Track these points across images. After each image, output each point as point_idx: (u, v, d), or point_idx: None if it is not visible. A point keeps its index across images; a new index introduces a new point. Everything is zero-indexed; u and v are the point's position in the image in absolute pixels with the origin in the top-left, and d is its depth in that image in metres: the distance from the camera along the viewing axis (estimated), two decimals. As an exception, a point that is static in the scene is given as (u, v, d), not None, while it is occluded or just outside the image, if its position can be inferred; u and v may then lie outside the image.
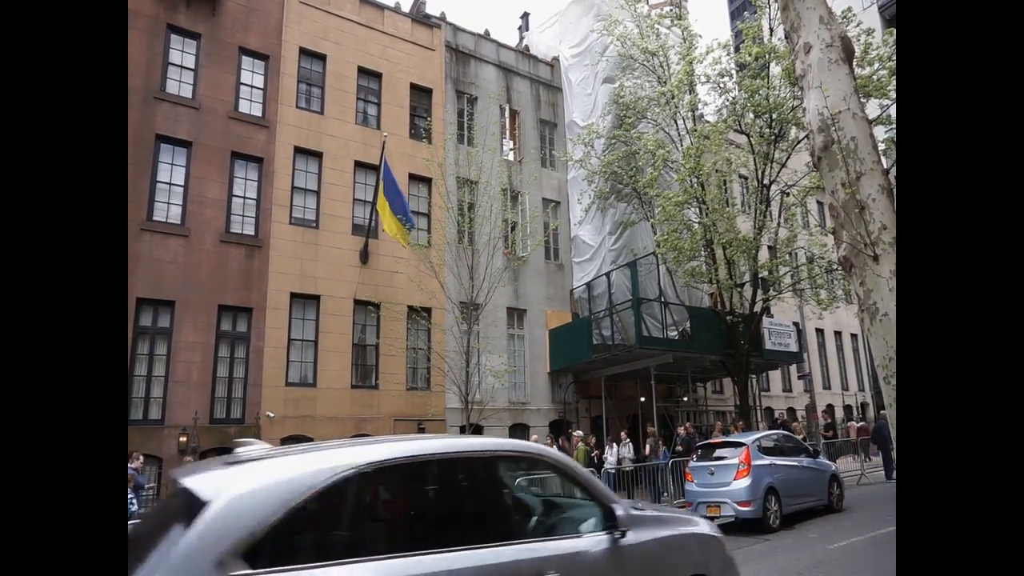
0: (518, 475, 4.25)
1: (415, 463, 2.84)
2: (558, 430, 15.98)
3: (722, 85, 15.44)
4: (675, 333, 15.66)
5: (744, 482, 9.33)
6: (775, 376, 22.35)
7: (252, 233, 13.42)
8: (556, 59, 19.81)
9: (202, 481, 2.44)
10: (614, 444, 13.78)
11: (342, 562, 2.35)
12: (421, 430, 14.08)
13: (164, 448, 11.46)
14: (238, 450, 2.79)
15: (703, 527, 3.94)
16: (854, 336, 26.06)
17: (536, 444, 4.30)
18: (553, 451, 4.06)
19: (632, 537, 3.30)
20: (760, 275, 15.87)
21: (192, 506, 2.26)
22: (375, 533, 2.72)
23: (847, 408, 24.66)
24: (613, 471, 12.90)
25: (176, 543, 2.16)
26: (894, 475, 13.50)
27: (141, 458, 10.01)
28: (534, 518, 3.53)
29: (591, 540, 3.21)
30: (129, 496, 8.91)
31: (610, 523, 3.27)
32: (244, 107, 13.89)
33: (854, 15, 14.03)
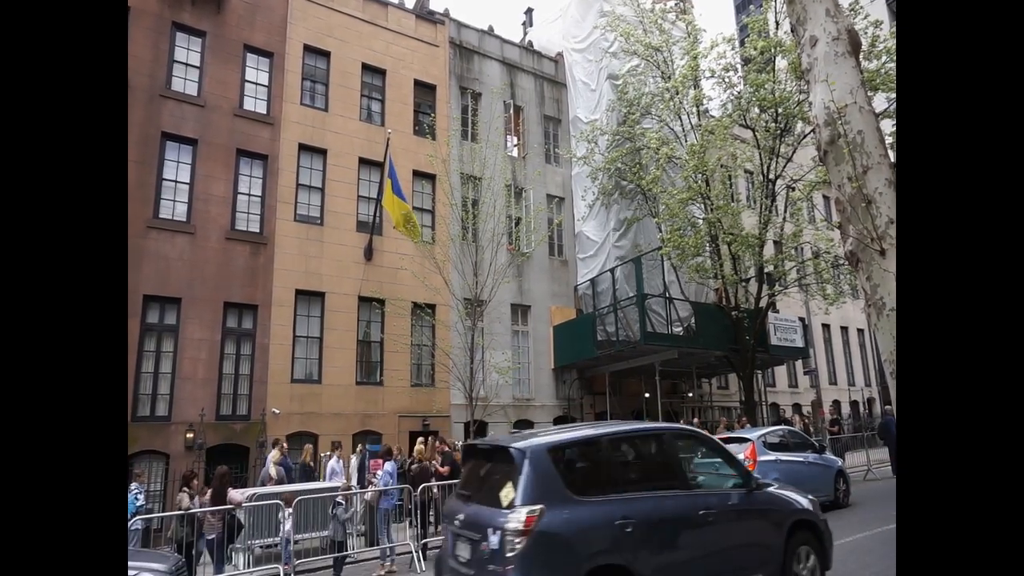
0: None
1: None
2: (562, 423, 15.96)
3: (727, 80, 15.35)
4: (680, 329, 15.63)
5: (749, 478, 9.29)
6: (781, 372, 22.28)
7: (257, 230, 13.46)
8: (560, 55, 19.74)
9: None
10: None
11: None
12: (426, 426, 14.13)
13: (171, 444, 11.54)
14: None
15: None
16: (860, 331, 25.94)
17: None
18: None
19: None
20: (765, 270, 15.81)
21: None
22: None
23: (853, 404, 24.56)
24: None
25: None
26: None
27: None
28: None
29: None
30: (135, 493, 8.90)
31: None
32: (249, 104, 13.92)
33: (861, 7, 13.85)
